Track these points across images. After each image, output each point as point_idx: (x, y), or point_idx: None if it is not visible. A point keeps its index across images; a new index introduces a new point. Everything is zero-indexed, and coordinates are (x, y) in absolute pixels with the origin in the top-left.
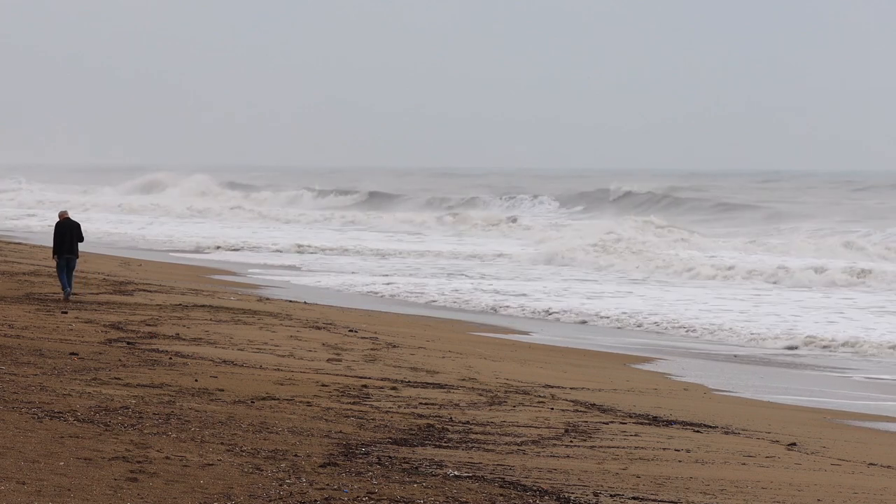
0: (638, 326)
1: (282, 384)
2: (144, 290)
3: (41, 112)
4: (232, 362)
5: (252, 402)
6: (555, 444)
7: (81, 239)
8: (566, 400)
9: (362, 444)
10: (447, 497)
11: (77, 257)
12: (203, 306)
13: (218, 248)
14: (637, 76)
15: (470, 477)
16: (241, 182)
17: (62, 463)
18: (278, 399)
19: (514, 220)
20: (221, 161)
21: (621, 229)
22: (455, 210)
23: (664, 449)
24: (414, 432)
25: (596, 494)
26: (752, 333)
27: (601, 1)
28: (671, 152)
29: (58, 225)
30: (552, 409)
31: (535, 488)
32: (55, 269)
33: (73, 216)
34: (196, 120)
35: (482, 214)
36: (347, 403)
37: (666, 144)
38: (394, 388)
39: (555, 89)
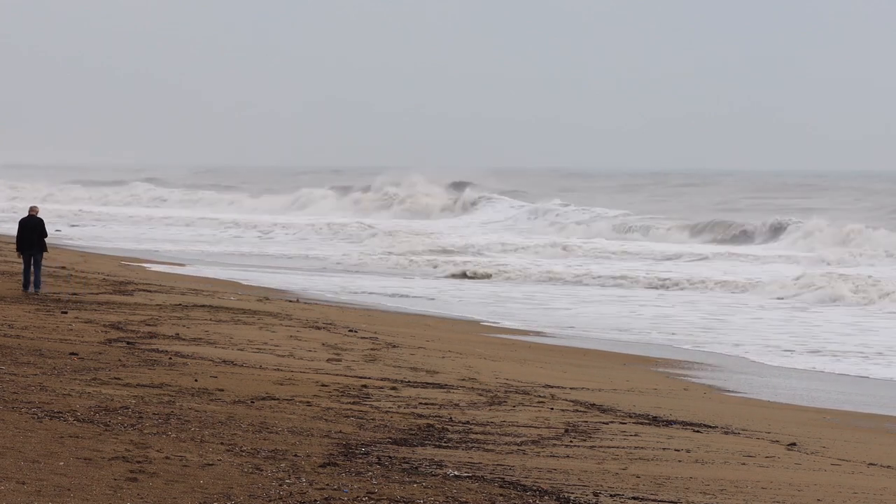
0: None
1: (282, 384)
2: (144, 290)
3: (41, 112)
4: (232, 362)
5: (252, 402)
6: (555, 444)
7: (44, 234)
8: (566, 400)
9: (362, 444)
10: (447, 497)
11: (43, 251)
12: (203, 306)
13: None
14: (637, 76)
15: (470, 477)
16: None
17: (62, 463)
18: (278, 399)
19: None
20: (222, 161)
21: None
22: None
23: (664, 449)
24: (414, 432)
25: (596, 494)
26: None
27: (602, 1)
28: (672, 152)
29: (22, 221)
30: (552, 409)
31: (535, 488)
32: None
33: None
34: (196, 119)
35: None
36: (347, 403)
37: (667, 144)
38: (394, 388)
39: (555, 89)
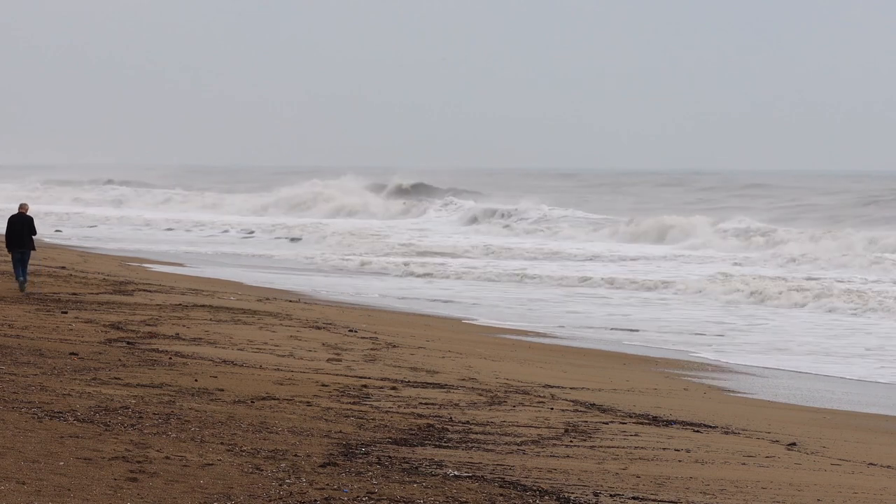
0: None
1: (282, 384)
2: (144, 290)
3: (39, 110)
4: (232, 362)
5: (252, 402)
6: (555, 444)
7: (34, 232)
8: (566, 400)
9: (362, 444)
10: (447, 497)
11: (32, 250)
12: (203, 306)
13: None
14: (640, 76)
15: (470, 477)
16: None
17: (62, 463)
18: (278, 399)
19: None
20: (225, 162)
21: None
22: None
23: (664, 449)
24: (414, 432)
25: (596, 494)
26: None
27: (606, 1)
28: (675, 153)
29: (11, 218)
30: (552, 409)
31: (535, 488)
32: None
33: None
34: (197, 118)
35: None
36: (347, 403)
37: (669, 145)
38: (394, 388)
39: (559, 89)
